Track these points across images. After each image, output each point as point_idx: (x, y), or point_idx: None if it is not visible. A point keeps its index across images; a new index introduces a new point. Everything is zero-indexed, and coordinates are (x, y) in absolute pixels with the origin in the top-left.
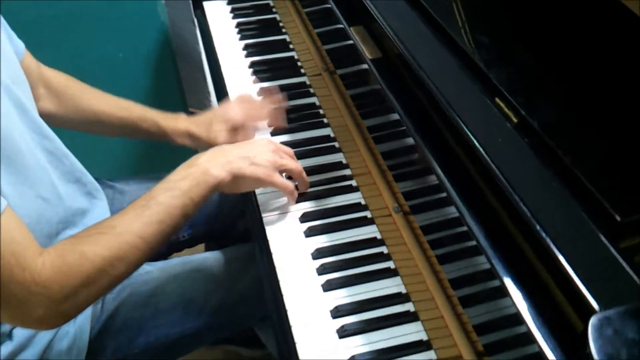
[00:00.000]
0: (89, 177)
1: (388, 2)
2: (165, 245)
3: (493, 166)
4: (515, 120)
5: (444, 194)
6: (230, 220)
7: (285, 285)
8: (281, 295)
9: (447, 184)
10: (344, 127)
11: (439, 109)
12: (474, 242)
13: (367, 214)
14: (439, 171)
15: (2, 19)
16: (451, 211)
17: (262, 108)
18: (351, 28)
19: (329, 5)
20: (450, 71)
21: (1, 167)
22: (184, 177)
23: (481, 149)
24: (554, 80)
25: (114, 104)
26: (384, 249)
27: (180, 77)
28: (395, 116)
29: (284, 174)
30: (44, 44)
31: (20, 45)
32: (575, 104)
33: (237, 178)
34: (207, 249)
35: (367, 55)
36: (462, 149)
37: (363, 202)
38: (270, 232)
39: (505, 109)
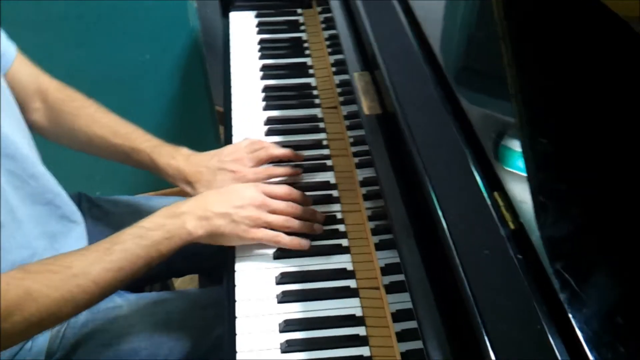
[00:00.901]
0: (64, 199)
1: (401, 48)
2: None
3: (468, 292)
4: (512, 226)
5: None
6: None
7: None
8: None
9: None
10: (349, 173)
11: (422, 194)
12: None
13: (353, 283)
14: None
15: None
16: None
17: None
18: (355, 73)
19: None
20: (446, 146)
21: None
22: (158, 226)
23: (458, 262)
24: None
25: (110, 129)
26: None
27: (209, 80)
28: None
29: None
30: (70, 43)
31: (11, 50)
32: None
33: (214, 236)
34: (200, 283)
35: (365, 109)
36: (437, 249)
37: (350, 268)
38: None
39: (504, 209)
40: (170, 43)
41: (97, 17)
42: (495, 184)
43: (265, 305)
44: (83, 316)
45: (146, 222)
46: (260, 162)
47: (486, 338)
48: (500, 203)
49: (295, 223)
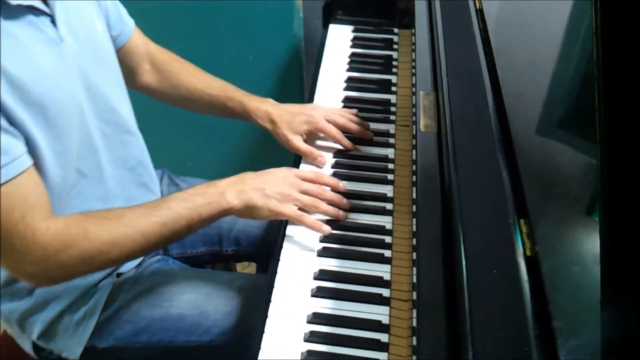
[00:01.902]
0: (147, 169)
1: (469, 74)
2: (209, 256)
3: (466, 305)
4: (529, 253)
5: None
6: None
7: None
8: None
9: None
10: (407, 189)
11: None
12: None
13: (386, 292)
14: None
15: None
16: None
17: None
18: (421, 92)
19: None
20: (486, 169)
21: (45, 135)
22: (200, 193)
23: (465, 276)
24: None
25: (208, 83)
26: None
27: (304, 85)
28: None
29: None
30: (181, 35)
31: (129, 24)
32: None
33: (249, 207)
34: (257, 271)
35: (421, 126)
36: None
37: (387, 278)
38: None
39: (525, 236)
40: (274, 47)
41: (209, 14)
42: (524, 212)
43: (299, 296)
44: (141, 276)
45: (191, 189)
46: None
47: (470, 350)
48: (524, 230)
49: (321, 204)
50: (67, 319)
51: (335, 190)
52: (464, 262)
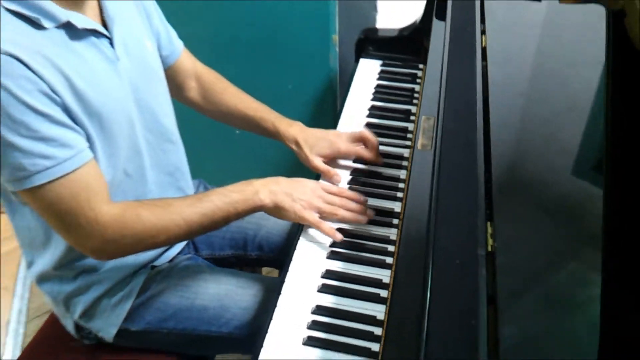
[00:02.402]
0: (184, 175)
1: (465, 101)
2: (234, 259)
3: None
4: (489, 249)
5: None
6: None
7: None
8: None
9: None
10: None
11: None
12: None
13: (384, 293)
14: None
15: (159, 15)
16: None
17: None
18: (423, 116)
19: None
20: (466, 181)
21: (100, 140)
22: (237, 190)
23: (430, 262)
24: None
25: (245, 103)
26: None
27: (337, 114)
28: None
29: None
30: (229, 62)
31: (179, 46)
32: None
33: (278, 207)
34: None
35: (419, 145)
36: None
37: (386, 281)
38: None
39: (489, 236)
40: (311, 78)
41: (256, 45)
42: (491, 216)
43: (306, 290)
44: (173, 270)
45: (230, 186)
46: (354, 149)
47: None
48: (489, 230)
49: (339, 211)
50: (105, 302)
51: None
52: (431, 249)
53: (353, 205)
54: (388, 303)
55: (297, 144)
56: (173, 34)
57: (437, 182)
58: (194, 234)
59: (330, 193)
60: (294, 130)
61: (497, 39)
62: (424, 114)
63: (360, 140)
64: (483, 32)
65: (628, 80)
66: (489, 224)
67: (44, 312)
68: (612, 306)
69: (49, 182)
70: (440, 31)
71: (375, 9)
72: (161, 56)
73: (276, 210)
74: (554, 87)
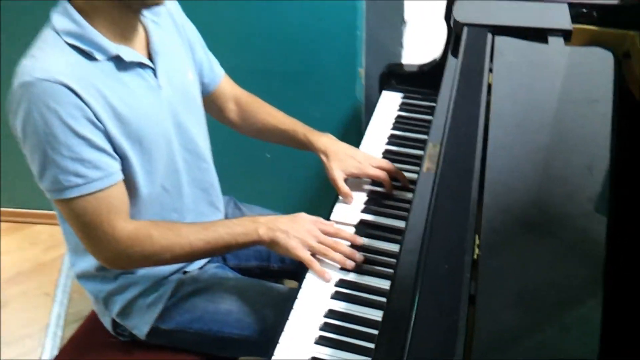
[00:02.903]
0: (216, 192)
1: (466, 131)
2: (258, 270)
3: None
4: (475, 257)
5: None
6: None
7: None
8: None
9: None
10: None
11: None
12: None
13: None
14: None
15: (202, 48)
16: None
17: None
18: (430, 143)
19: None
20: (461, 199)
21: (139, 159)
22: (240, 224)
23: (423, 265)
24: None
25: (279, 119)
26: None
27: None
28: None
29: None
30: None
31: (219, 73)
32: None
33: (274, 243)
34: None
35: (424, 168)
36: None
37: None
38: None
39: (477, 246)
40: (338, 107)
41: (287, 75)
42: (479, 229)
43: (320, 297)
44: (202, 276)
45: (234, 219)
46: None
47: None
48: (477, 242)
49: (330, 252)
50: (140, 302)
51: (353, 244)
52: (425, 254)
53: (345, 248)
54: (386, 304)
55: (327, 155)
56: (215, 62)
57: (436, 198)
58: (196, 257)
59: (327, 233)
60: (324, 140)
61: (503, 76)
62: (432, 141)
63: (386, 170)
64: (490, 69)
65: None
66: (477, 235)
67: (80, 318)
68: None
69: (78, 197)
70: (452, 67)
71: (401, 45)
72: (203, 83)
73: (272, 245)
74: (548, 120)
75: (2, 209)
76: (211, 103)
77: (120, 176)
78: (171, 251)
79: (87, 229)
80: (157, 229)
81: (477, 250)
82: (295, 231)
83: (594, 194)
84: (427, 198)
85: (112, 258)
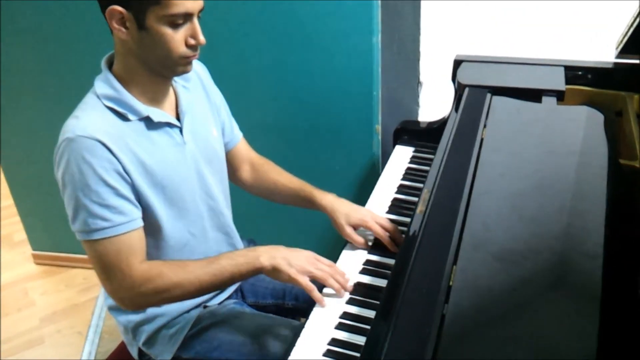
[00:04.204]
0: (236, 234)
1: (456, 180)
2: (274, 307)
3: (399, 302)
4: (450, 283)
5: None
6: None
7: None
8: None
9: None
10: None
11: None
12: None
13: None
14: None
15: (226, 111)
16: None
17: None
18: (425, 189)
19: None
20: (443, 237)
21: (165, 206)
22: (242, 255)
23: (404, 285)
24: None
25: (288, 180)
26: None
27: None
28: None
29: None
30: (283, 146)
31: (238, 135)
32: None
33: (275, 270)
34: None
35: (417, 210)
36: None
37: None
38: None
39: (453, 276)
40: (356, 161)
41: (309, 130)
42: (456, 261)
43: (325, 327)
44: (221, 310)
45: (236, 251)
46: (378, 230)
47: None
48: (453, 272)
49: (329, 279)
50: (164, 332)
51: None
52: (407, 277)
53: (340, 278)
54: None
55: (333, 212)
56: (235, 125)
57: (422, 235)
58: (204, 291)
59: (322, 263)
60: (328, 199)
61: (495, 131)
62: (426, 187)
63: (387, 230)
64: (485, 125)
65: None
66: (454, 266)
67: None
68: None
69: (103, 239)
70: (452, 122)
71: (417, 103)
72: (224, 142)
73: (274, 273)
74: (531, 169)
75: (42, 252)
76: (227, 162)
77: (140, 223)
78: (181, 287)
79: (108, 269)
80: (166, 266)
81: (452, 278)
82: (296, 259)
83: (567, 233)
84: (416, 235)
85: (127, 297)
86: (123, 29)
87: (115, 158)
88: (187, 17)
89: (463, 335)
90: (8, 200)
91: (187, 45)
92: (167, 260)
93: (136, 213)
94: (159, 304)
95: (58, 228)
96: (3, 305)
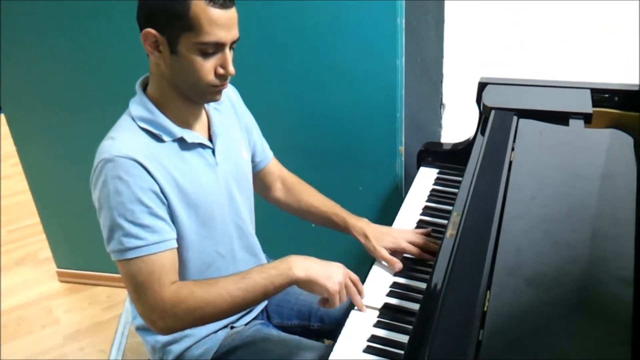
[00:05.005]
0: (262, 256)
1: (485, 204)
2: (299, 328)
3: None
4: (485, 309)
5: None
6: None
7: None
8: None
9: None
10: None
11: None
12: None
13: None
14: None
15: (257, 132)
16: None
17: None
18: (454, 212)
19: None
20: (476, 257)
21: (196, 225)
22: (274, 267)
23: (437, 317)
24: None
25: (321, 202)
26: None
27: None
28: None
29: None
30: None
31: (269, 154)
32: None
33: (311, 281)
34: None
35: (447, 234)
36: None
37: None
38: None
39: (487, 301)
40: (380, 182)
41: (333, 152)
42: (490, 286)
43: (354, 350)
44: (247, 331)
45: (267, 264)
46: (411, 248)
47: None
48: (487, 297)
49: (357, 297)
50: (192, 352)
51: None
52: (439, 306)
53: (360, 292)
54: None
55: (366, 236)
56: (266, 145)
57: (454, 259)
58: (237, 308)
59: (351, 279)
60: (361, 224)
61: (524, 154)
62: (456, 210)
63: (418, 245)
64: (512, 148)
65: None
66: (488, 292)
67: None
68: None
69: (136, 258)
70: (479, 145)
71: (440, 125)
72: (255, 162)
73: (309, 284)
74: (561, 193)
75: (66, 270)
76: (260, 180)
77: (174, 244)
78: (213, 304)
79: (140, 289)
80: (198, 285)
81: (487, 304)
82: (336, 275)
83: (599, 257)
84: (448, 260)
85: (159, 319)
86: (156, 52)
87: (151, 177)
88: (219, 46)
89: None
90: (34, 218)
91: (216, 75)
92: (196, 280)
93: (170, 234)
94: (192, 324)
95: (82, 246)
96: (27, 322)
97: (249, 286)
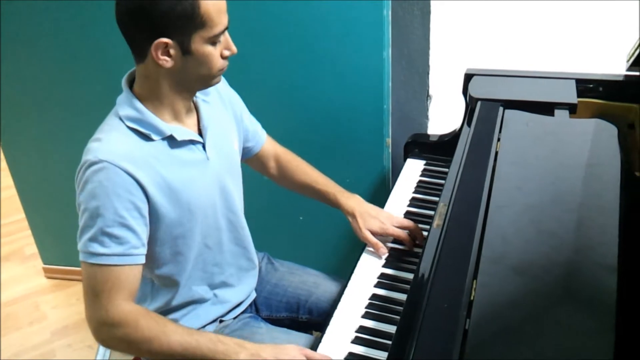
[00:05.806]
0: (252, 248)
1: (471, 194)
2: (288, 320)
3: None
4: (471, 298)
5: None
6: None
7: None
8: None
9: None
10: None
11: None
12: None
13: None
14: None
15: (247, 115)
16: None
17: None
18: (441, 204)
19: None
20: (462, 252)
21: (186, 220)
22: (225, 344)
23: (425, 303)
24: None
25: (314, 178)
26: None
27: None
28: None
29: None
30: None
31: (262, 136)
32: None
33: None
34: None
35: (434, 225)
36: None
37: None
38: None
39: (473, 290)
40: (367, 174)
41: (321, 144)
42: (476, 275)
43: (342, 341)
44: (236, 324)
45: (223, 337)
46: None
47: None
48: (474, 286)
49: None
50: None
51: None
52: (427, 294)
53: None
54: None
55: (353, 216)
56: (258, 126)
57: (441, 248)
58: (167, 358)
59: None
60: (352, 202)
61: (509, 144)
62: (442, 201)
63: (407, 228)
64: (499, 139)
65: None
66: (474, 281)
67: None
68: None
69: (94, 264)
70: (465, 136)
71: (426, 117)
72: (248, 146)
73: None
74: (546, 182)
75: (53, 266)
76: (255, 161)
77: (139, 261)
78: (149, 345)
79: (90, 293)
80: (147, 317)
81: (473, 293)
82: (280, 353)
83: (584, 245)
84: (435, 250)
85: (96, 330)
86: (167, 58)
87: (136, 184)
88: (223, 31)
89: (486, 350)
90: (19, 214)
91: (223, 58)
92: (149, 311)
93: (138, 249)
94: (122, 350)
95: (69, 242)
96: (14, 319)
97: (190, 347)
